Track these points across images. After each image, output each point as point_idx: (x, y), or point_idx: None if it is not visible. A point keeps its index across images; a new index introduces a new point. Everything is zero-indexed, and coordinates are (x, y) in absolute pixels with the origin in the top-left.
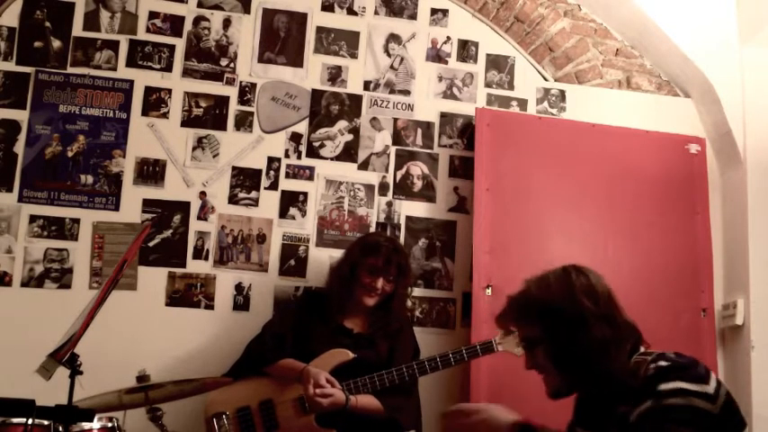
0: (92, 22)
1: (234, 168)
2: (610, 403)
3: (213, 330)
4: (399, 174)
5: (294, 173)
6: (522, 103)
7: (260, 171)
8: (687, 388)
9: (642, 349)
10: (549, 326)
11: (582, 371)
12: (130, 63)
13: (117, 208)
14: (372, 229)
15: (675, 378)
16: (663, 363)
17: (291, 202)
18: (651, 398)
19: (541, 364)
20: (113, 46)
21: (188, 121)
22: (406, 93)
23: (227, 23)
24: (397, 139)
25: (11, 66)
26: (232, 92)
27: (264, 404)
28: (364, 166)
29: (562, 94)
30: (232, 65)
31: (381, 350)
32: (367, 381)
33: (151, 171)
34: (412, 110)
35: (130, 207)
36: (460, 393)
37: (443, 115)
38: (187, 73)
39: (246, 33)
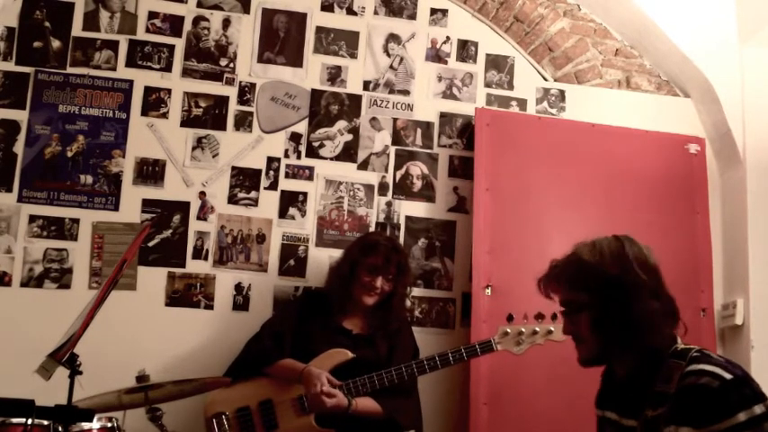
0: (91, 22)
1: (233, 168)
2: (644, 381)
3: (213, 330)
4: (399, 174)
5: (294, 173)
6: (522, 103)
7: (259, 171)
8: (756, 414)
9: (679, 341)
10: (598, 293)
11: (622, 342)
12: (130, 63)
13: (116, 208)
14: (372, 229)
15: (743, 405)
16: (714, 381)
17: (291, 202)
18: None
19: (581, 329)
20: (113, 46)
21: (187, 121)
22: (406, 93)
23: (226, 23)
24: (397, 139)
25: (10, 66)
26: (232, 92)
27: (264, 404)
28: (364, 166)
29: (562, 93)
30: (232, 65)
31: (380, 350)
32: (366, 381)
33: (151, 171)
34: (411, 110)
35: (130, 207)
36: (460, 393)
37: (443, 115)
38: (187, 73)
39: (246, 33)
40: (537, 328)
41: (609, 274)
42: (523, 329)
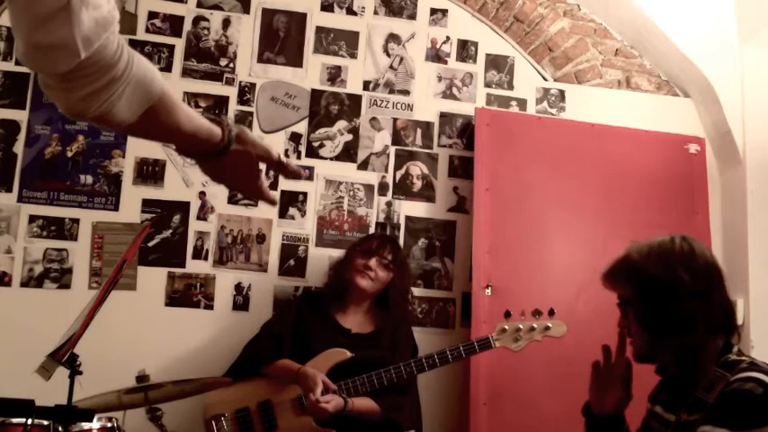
0: None
1: None
2: (686, 383)
3: (213, 330)
4: (399, 174)
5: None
6: (522, 103)
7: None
8: None
9: (735, 349)
10: (640, 291)
11: (666, 341)
12: None
13: (116, 208)
14: (372, 229)
15: None
16: (759, 388)
17: (291, 202)
18: None
19: (630, 325)
20: None
21: None
22: (406, 93)
23: (226, 23)
24: (397, 138)
25: (10, 66)
26: (232, 92)
27: (263, 405)
28: (364, 165)
29: (561, 93)
30: (231, 65)
31: (380, 349)
32: (365, 380)
33: (151, 171)
34: (411, 110)
35: (130, 207)
36: (460, 393)
37: (443, 115)
38: (187, 73)
39: (246, 33)
40: (534, 325)
41: (650, 273)
42: (521, 326)
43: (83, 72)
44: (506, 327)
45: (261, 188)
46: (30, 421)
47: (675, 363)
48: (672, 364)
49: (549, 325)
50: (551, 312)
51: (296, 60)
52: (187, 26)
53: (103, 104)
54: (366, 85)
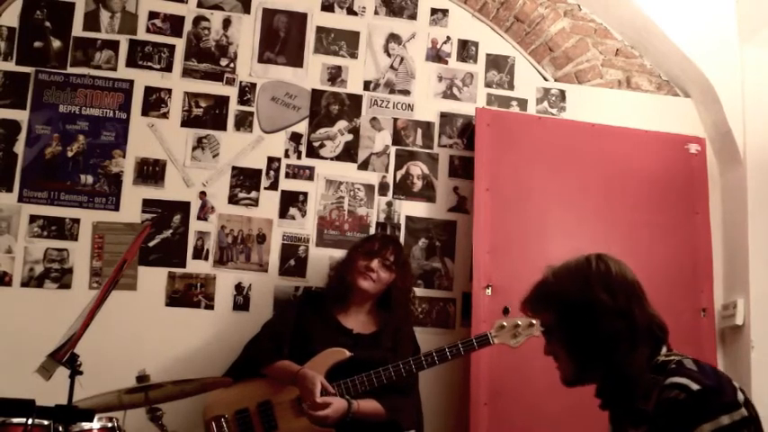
0: (92, 22)
1: (234, 168)
2: (624, 399)
3: (213, 330)
4: (399, 174)
5: (294, 173)
6: (522, 103)
7: (260, 171)
8: (723, 425)
9: (663, 350)
10: (561, 314)
11: (593, 362)
12: (130, 63)
13: (117, 208)
14: (372, 229)
15: (708, 416)
16: (681, 394)
17: (291, 202)
18: None
19: (556, 351)
20: (113, 46)
21: (188, 121)
22: (406, 93)
23: (226, 23)
24: (397, 139)
25: (11, 66)
26: (232, 92)
27: (263, 405)
28: (364, 166)
29: (562, 93)
30: (232, 65)
31: (381, 350)
32: (365, 379)
33: (151, 171)
34: (412, 110)
35: (130, 207)
36: (460, 393)
37: (443, 115)
38: (187, 73)
39: (246, 33)
40: (533, 320)
41: (569, 295)
42: (520, 322)
43: None
44: (505, 323)
45: None
46: (30, 421)
47: (611, 382)
48: (607, 385)
49: None
50: None
51: (296, 60)
52: (187, 26)
53: None
54: (366, 86)
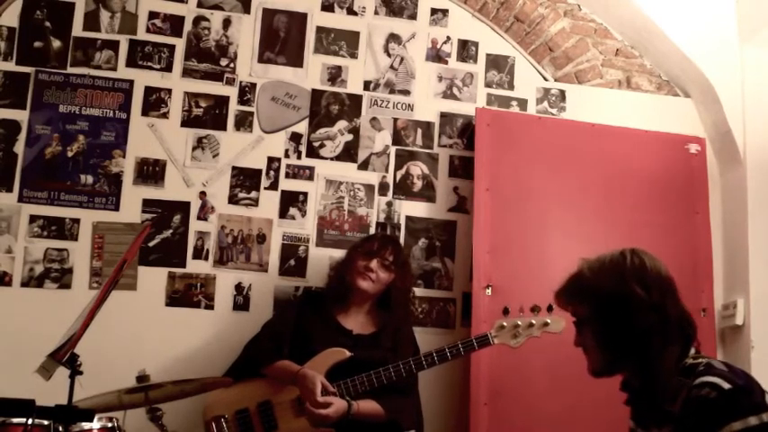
0: (92, 22)
1: (234, 168)
2: (652, 397)
3: (213, 330)
4: (399, 174)
5: (294, 173)
6: (522, 103)
7: (260, 171)
8: (751, 426)
9: (692, 352)
10: (596, 308)
11: (625, 356)
12: (130, 63)
13: (117, 208)
14: (372, 229)
15: (738, 415)
16: (712, 392)
17: (291, 202)
18: None
19: (587, 342)
20: (113, 46)
21: (188, 121)
22: (406, 93)
23: (227, 23)
24: (397, 139)
25: (11, 66)
26: (232, 92)
27: (263, 405)
28: (364, 166)
29: (562, 93)
30: (232, 65)
31: (381, 350)
32: (364, 379)
33: (151, 171)
34: (412, 110)
35: (130, 207)
36: (460, 393)
37: (443, 115)
38: (187, 73)
39: (246, 33)
40: (533, 321)
41: (604, 289)
42: (519, 322)
43: None
44: (505, 323)
45: None
46: (30, 421)
47: (641, 377)
48: (638, 379)
49: (548, 321)
50: (549, 308)
51: (296, 60)
52: (187, 26)
53: None
54: (366, 86)
